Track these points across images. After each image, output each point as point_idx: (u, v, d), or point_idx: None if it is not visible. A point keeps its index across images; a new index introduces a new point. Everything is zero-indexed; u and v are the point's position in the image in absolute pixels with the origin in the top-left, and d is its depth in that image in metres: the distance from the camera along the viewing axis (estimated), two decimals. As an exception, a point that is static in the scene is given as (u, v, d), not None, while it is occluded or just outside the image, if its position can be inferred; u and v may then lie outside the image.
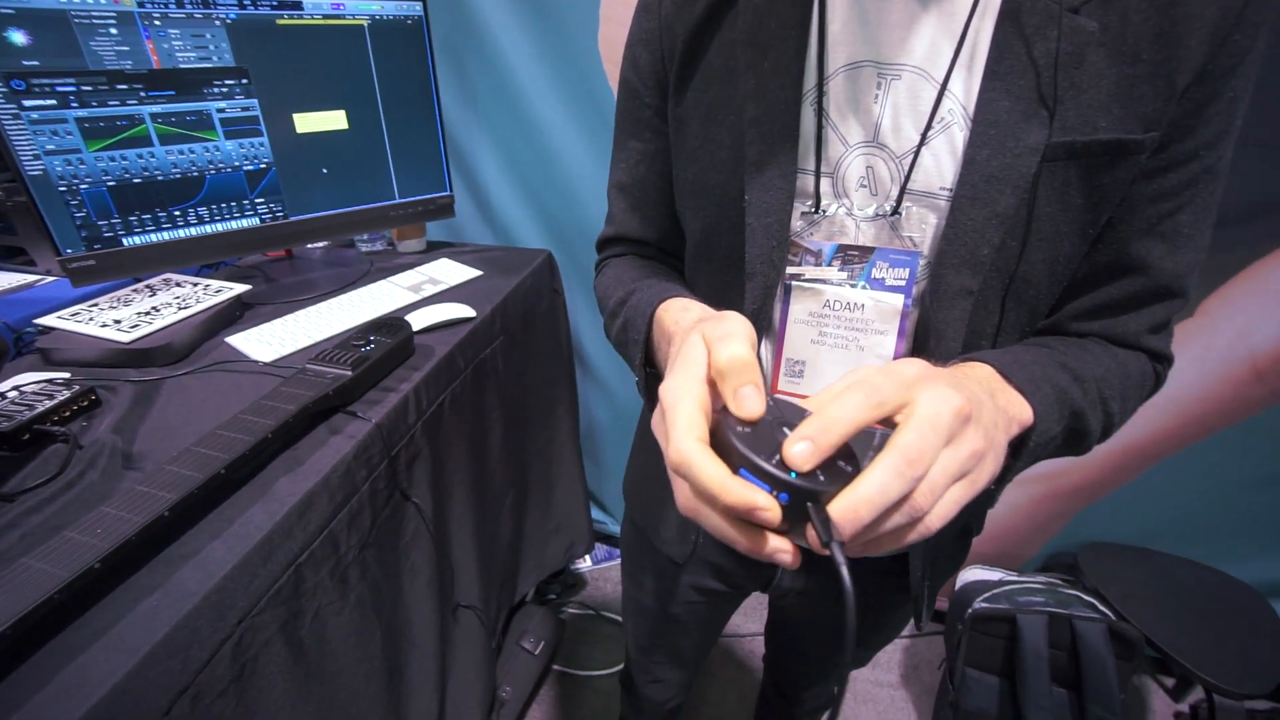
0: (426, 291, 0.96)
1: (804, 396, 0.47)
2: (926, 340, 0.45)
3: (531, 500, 1.17)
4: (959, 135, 0.41)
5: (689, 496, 0.30)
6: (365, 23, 0.93)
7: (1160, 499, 1.20)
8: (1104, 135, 0.38)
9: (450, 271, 1.03)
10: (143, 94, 0.81)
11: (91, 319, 0.82)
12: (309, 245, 1.17)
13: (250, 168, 0.91)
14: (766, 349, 0.50)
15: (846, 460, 0.29)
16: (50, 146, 0.78)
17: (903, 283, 0.45)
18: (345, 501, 0.62)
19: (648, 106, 0.52)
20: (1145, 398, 0.48)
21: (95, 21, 0.76)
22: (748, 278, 0.47)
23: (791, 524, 0.28)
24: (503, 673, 1.22)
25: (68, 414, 0.66)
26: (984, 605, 1.14)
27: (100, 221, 0.83)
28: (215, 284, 0.91)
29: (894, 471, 0.27)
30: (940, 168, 0.42)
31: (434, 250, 1.16)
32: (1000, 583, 1.21)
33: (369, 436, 0.65)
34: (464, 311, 0.88)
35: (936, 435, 0.28)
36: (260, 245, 0.96)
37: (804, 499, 0.27)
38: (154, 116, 0.82)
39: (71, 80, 0.77)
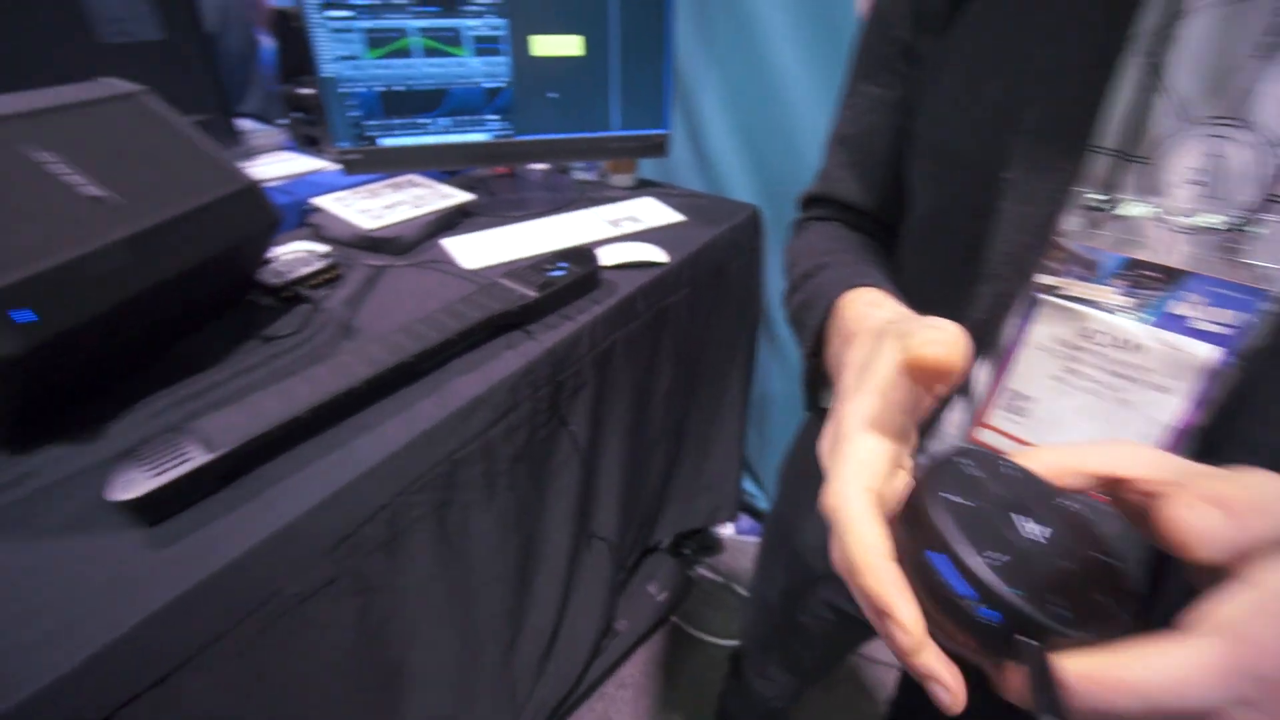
0: (625, 228, 0.95)
1: (1021, 441, 0.37)
2: (1239, 421, 0.31)
3: (686, 454, 1.15)
4: None
5: (839, 553, 0.23)
6: (616, -55, 0.92)
7: None
8: None
9: (653, 212, 1.02)
10: (414, 9, 0.89)
11: (348, 205, 0.95)
12: (530, 166, 1.23)
13: (489, 85, 0.96)
14: (983, 370, 0.39)
15: (1109, 587, 0.19)
16: (341, 53, 0.89)
17: (1223, 330, 0.31)
18: (505, 414, 0.64)
19: (895, 42, 0.43)
20: None
21: (388, -63, 0.84)
22: (981, 279, 0.37)
23: (987, 651, 0.19)
24: (623, 607, 1.26)
25: (316, 282, 0.78)
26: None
27: (368, 121, 0.94)
28: (446, 190, 1.00)
29: (1204, 667, 0.16)
30: None
31: (642, 188, 1.16)
32: None
33: (539, 359, 0.67)
34: (655, 255, 0.86)
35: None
36: (487, 159, 1.03)
37: (1023, 630, 0.18)
38: (420, 30, 0.90)
39: (362, -9, 0.86)
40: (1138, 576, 0.20)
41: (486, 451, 0.63)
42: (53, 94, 0.59)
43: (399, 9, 0.88)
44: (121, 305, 0.53)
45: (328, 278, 0.79)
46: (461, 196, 0.98)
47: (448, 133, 0.98)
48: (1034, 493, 0.22)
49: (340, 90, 0.91)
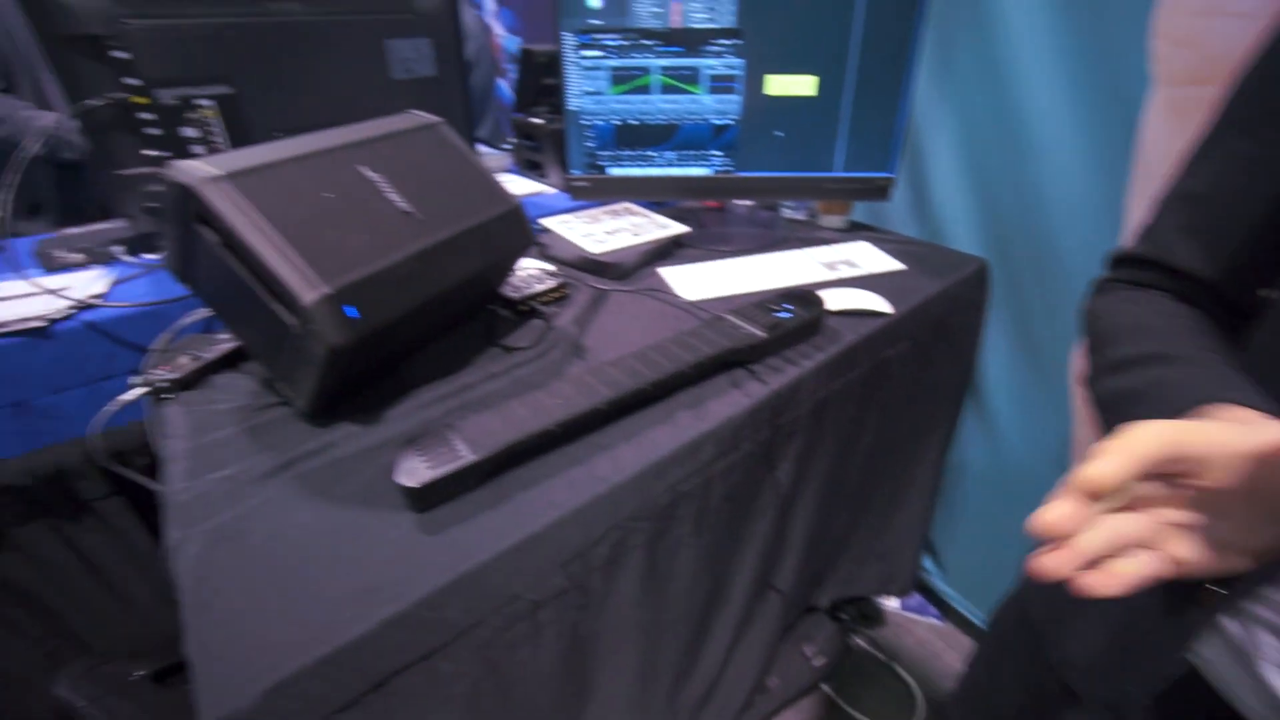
0: (842, 272, 0.92)
1: None
2: None
3: (870, 515, 1.08)
4: None
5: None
6: (868, -15, 0.90)
7: None
8: None
9: (869, 257, 0.97)
10: (659, 49, 0.93)
11: (572, 228, 1.01)
12: (738, 201, 1.24)
13: (718, 122, 0.98)
14: None
15: None
16: (587, 88, 0.96)
17: None
18: (726, 452, 0.64)
19: None
20: None
21: (647, -18, 0.89)
22: None
23: None
24: (777, 665, 1.20)
25: (548, 299, 0.83)
26: None
27: (600, 152, 1.00)
28: (662, 219, 1.04)
29: None
30: None
31: (854, 231, 1.11)
32: None
33: (764, 401, 0.65)
34: (881, 305, 0.82)
35: None
36: (706, 193, 1.05)
37: None
38: (661, 69, 0.94)
39: (616, 35, 0.92)
40: None
41: (705, 487, 0.63)
42: (376, 125, 0.68)
43: (646, 49, 0.93)
44: (416, 307, 0.60)
45: (557, 296, 0.84)
46: (678, 228, 1.00)
47: (672, 165, 1.01)
48: None
49: (582, 122, 0.98)
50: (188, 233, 0.55)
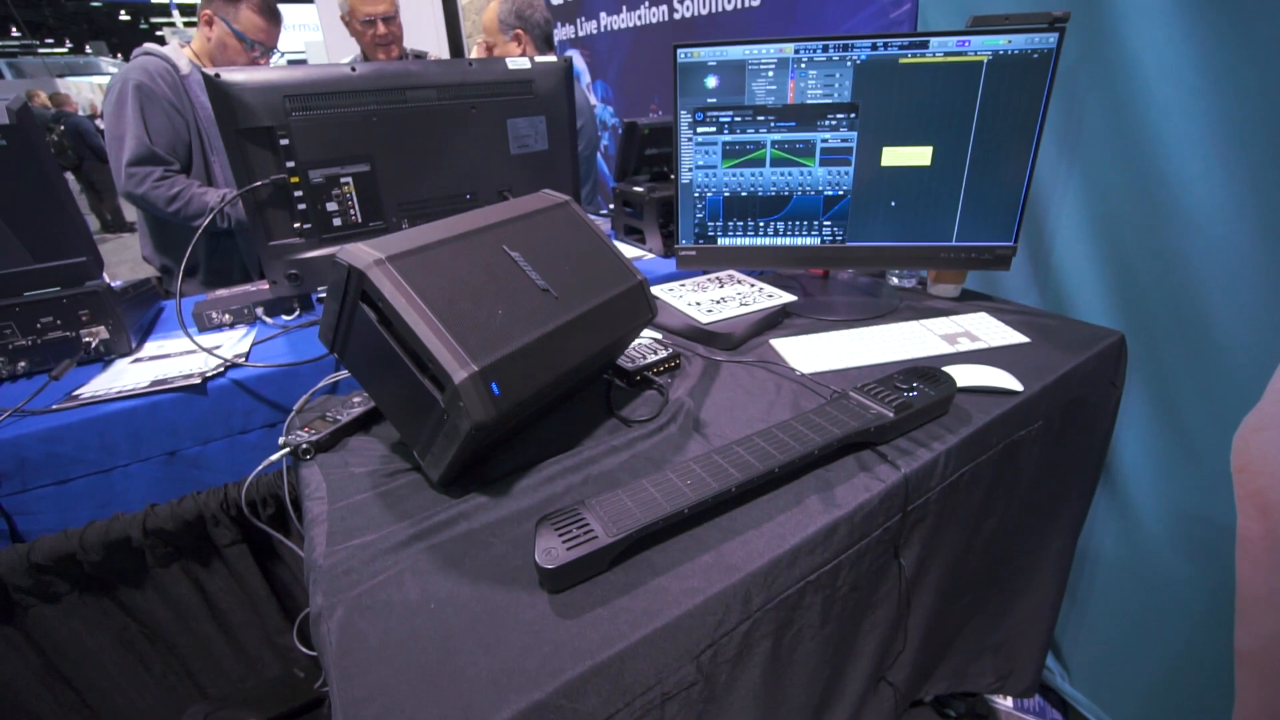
0: (963, 346, 0.88)
1: None
2: None
3: (989, 605, 0.99)
4: None
5: None
6: (986, 59, 0.89)
7: None
8: None
9: (990, 330, 0.93)
10: (772, 124, 0.95)
11: (679, 297, 1.02)
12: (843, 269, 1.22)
13: (830, 193, 0.98)
14: None
15: None
16: (700, 162, 0.99)
17: None
18: (857, 541, 0.60)
19: None
20: None
21: (763, 66, 0.92)
22: None
23: None
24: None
25: (661, 369, 0.84)
26: None
27: (710, 222, 1.02)
28: (768, 289, 1.03)
29: None
30: None
31: (967, 300, 1.07)
32: None
33: (895, 485, 0.62)
34: (1011, 383, 0.77)
35: None
36: (814, 262, 1.04)
37: None
38: (774, 143, 0.96)
39: (730, 112, 0.95)
40: None
41: (833, 576, 0.60)
42: (514, 205, 0.73)
43: (760, 124, 0.95)
44: (550, 382, 0.61)
45: (669, 366, 0.85)
46: (785, 297, 0.99)
47: (780, 236, 1.01)
48: None
49: (694, 194, 1.00)
50: (350, 309, 0.60)
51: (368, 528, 0.59)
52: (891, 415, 0.66)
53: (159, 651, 0.95)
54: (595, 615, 0.48)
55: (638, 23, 2.12)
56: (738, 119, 0.95)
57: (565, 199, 0.76)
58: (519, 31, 1.74)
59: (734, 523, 0.57)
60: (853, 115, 0.93)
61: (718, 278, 1.11)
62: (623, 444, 0.69)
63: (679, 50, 0.93)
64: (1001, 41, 0.88)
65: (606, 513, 0.53)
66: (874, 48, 0.90)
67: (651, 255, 1.38)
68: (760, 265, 1.05)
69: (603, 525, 0.52)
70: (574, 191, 1.35)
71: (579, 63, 2.59)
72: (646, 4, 2.05)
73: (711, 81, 0.93)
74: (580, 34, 2.51)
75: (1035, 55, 0.88)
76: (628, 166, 1.48)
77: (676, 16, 1.93)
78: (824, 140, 0.95)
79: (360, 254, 0.57)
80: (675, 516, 0.54)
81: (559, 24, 2.65)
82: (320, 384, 0.86)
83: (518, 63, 1.20)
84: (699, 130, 0.96)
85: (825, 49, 0.90)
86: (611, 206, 1.56)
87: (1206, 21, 0.83)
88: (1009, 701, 1.33)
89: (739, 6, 1.69)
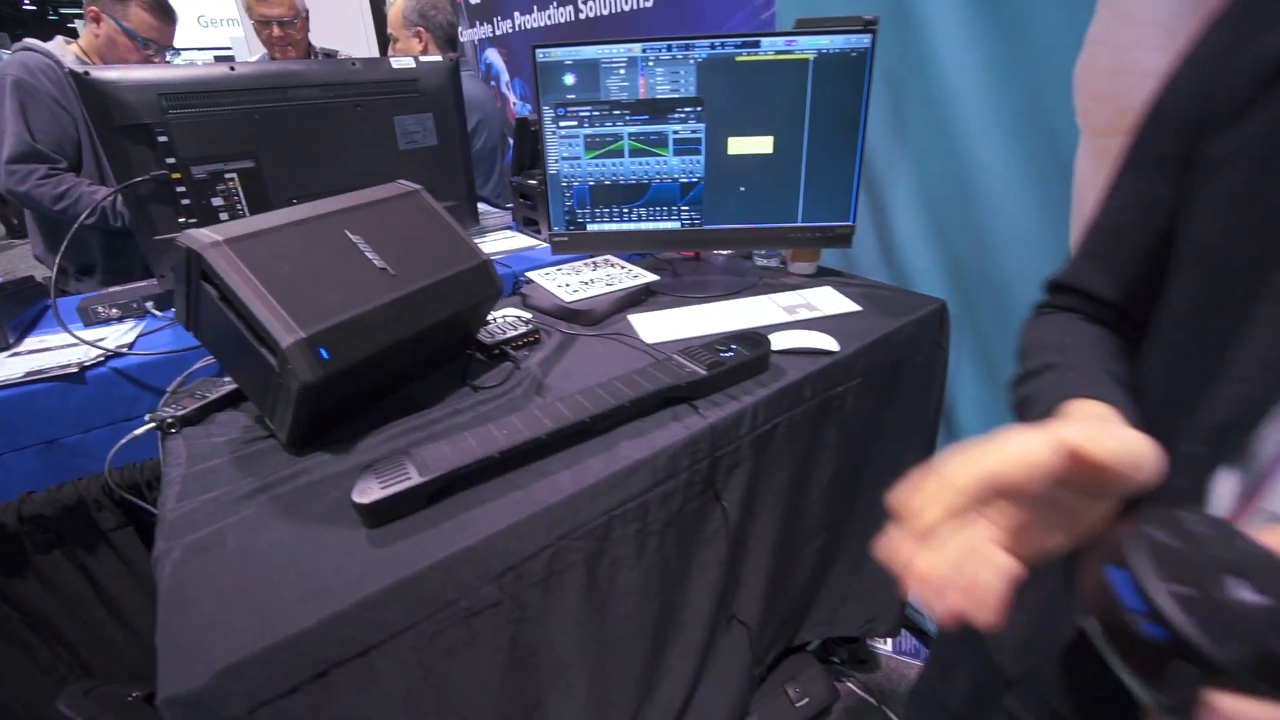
0: (800, 315, 0.98)
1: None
2: None
3: (843, 554, 1.10)
4: None
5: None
6: (811, 57, 0.99)
7: None
8: None
9: (830, 301, 1.03)
10: (627, 118, 1.03)
11: (552, 279, 1.10)
12: (716, 251, 1.32)
13: (685, 180, 1.07)
14: (1231, 483, 0.36)
15: None
16: (565, 154, 1.06)
17: None
18: (664, 480, 0.69)
19: (1170, 142, 0.42)
20: None
21: (614, 65, 1.00)
22: (1225, 380, 0.35)
23: (1144, 674, 0.21)
24: (758, 705, 1.19)
25: (520, 344, 0.91)
26: None
27: (579, 209, 1.10)
28: (635, 270, 1.12)
29: None
30: None
31: (822, 276, 1.18)
32: None
33: (701, 432, 0.71)
34: (826, 343, 0.87)
35: None
36: (676, 245, 1.13)
37: (1181, 655, 0.19)
38: (630, 135, 1.04)
39: (589, 108, 1.03)
40: None
41: (641, 512, 0.68)
42: (364, 193, 0.79)
43: (616, 118, 1.03)
44: (383, 350, 0.68)
45: (529, 341, 0.92)
46: (647, 277, 1.08)
47: (643, 220, 1.10)
48: (1263, 564, 0.21)
49: (561, 184, 1.08)
50: (194, 289, 0.65)
51: (217, 485, 0.64)
52: (704, 372, 0.75)
53: (44, 640, 0.97)
54: (404, 543, 0.55)
55: (548, 22, 2.19)
56: (596, 113, 1.03)
57: (416, 188, 0.83)
58: (420, 30, 1.78)
59: (549, 467, 0.65)
60: (699, 109, 1.02)
61: (594, 262, 1.19)
62: (467, 407, 0.76)
63: (538, 50, 1.00)
64: (824, 41, 0.98)
65: (426, 459, 0.60)
66: (712, 47, 0.99)
67: (546, 244, 1.45)
68: (627, 249, 1.13)
69: (418, 468, 0.59)
70: (468, 185, 1.41)
71: (497, 61, 2.64)
72: (555, 4, 2.12)
73: (569, 79, 1.01)
74: (497, 33, 2.56)
75: (854, 54, 0.99)
76: (523, 161, 1.55)
77: (582, 16, 2.00)
78: (675, 132, 1.04)
79: (199, 238, 0.63)
80: (487, 460, 0.61)
81: (478, 23, 2.69)
82: (195, 366, 0.91)
83: (402, 62, 1.25)
84: (561, 124, 1.04)
85: (669, 48, 0.99)
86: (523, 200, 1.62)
87: (992, 23, 0.95)
88: (888, 645, 1.45)
89: (635, 7, 1.78)
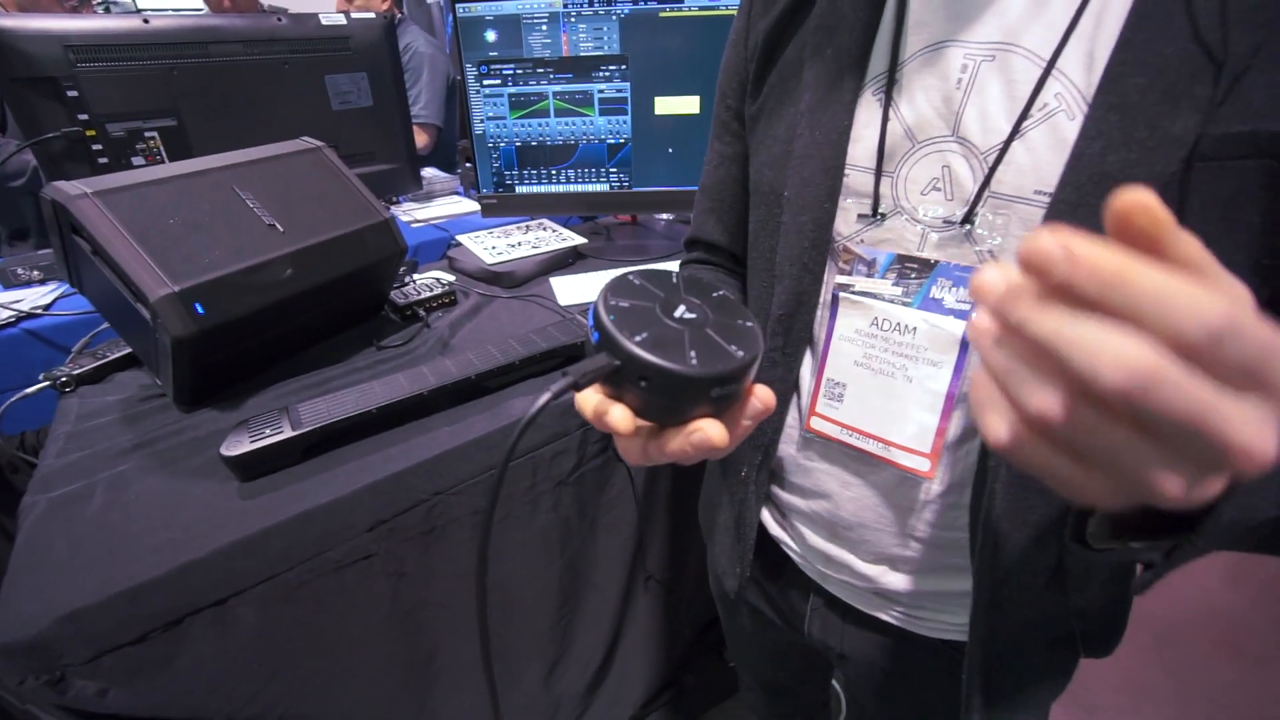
0: (717, 276, 0.98)
1: (842, 424, 0.44)
2: None
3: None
4: (1068, 125, 0.33)
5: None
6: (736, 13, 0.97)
7: None
8: None
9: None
10: (552, 76, 1.01)
11: (481, 242, 1.09)
12: (657, 216, 1.31)
13: (612, 141, 1.05)
14: (809, 364, 0.46)
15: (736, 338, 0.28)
16: (490, 113, 1.04)
17: (967, 307, 0.38)
18: (552, 439, 0.69)
19: (729, 109, 0.52)
20: None
21: (535, 20, 0.97)
22: (776, 280, 0.45)
23: (612, 382, 0.28)
24: (695, 665, 1.22)
25: (434, 305, 0.90)
26: None
27: (506, 171, 1.08)
28: (564, 233, 1.11)
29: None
30: (1037, 166, 0.34)
31: (752, 241, 1.17)
32: None
33: (593, 389, 0.71)
34: (735, 303, 0.87)
35: None
36: (606, 207, 1.12)
37: (611, 350, 0.27)
38: (555, 94, 1.02)
39: (512, 65, 1.01)
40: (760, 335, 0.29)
41: (530, 470, 0.68)
42: (262, 149, 0.77)
43: (540, 76, 1.01)
44: (273, 306, 0.67)
45: (444, 302, 0.91)
46: (575, 239, 1.07)
47: (572, 183, 1.09)
48: (723, 306, 0.29)
49: (488, 145, 1.06)
50: (67, 243, 0.64)
51: (99, 441, 0.64)
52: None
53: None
54: (271, 496, 0.56)
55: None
56: (520, 71, 1.01)
57: (318, 145, 0.81)
58: (373, -14, 1.73)
59: (431, 423, 0.65)
60: (624, 66, 1.00)
61: (526, 225, 1.17)
62: (366, 365, 0.76)
63: (458, 5, 0.97)
64: (750, -3, 0.96)
65: (303, 414, 0.60)
66: (635, 2, 0.96)
67: (490, 209, 1.43)
68: (557, 212, 1.12)
69: (291, 423, 0.59)
70: (408, 145, 1.39)
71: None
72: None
73: (491, 35, 0.99)
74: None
75: (781, 11, 0.97)
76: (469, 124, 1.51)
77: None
78: (600, 91, 1.02)
79: (66, 189, 0.61)
80: (364, 415, 0.61)
81: (441, -17, 2.61)
82: (103, 326, 0.90)
83: (332, 18, 1.22)
84: (485, 83, 1.02)
85: (591, 3, 0.96)
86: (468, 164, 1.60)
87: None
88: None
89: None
